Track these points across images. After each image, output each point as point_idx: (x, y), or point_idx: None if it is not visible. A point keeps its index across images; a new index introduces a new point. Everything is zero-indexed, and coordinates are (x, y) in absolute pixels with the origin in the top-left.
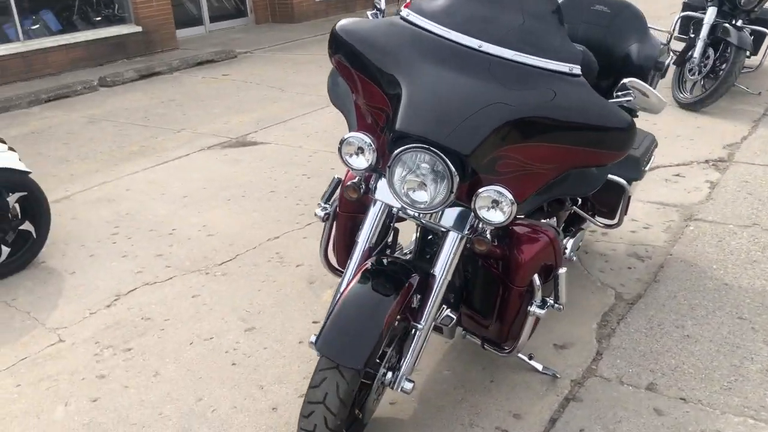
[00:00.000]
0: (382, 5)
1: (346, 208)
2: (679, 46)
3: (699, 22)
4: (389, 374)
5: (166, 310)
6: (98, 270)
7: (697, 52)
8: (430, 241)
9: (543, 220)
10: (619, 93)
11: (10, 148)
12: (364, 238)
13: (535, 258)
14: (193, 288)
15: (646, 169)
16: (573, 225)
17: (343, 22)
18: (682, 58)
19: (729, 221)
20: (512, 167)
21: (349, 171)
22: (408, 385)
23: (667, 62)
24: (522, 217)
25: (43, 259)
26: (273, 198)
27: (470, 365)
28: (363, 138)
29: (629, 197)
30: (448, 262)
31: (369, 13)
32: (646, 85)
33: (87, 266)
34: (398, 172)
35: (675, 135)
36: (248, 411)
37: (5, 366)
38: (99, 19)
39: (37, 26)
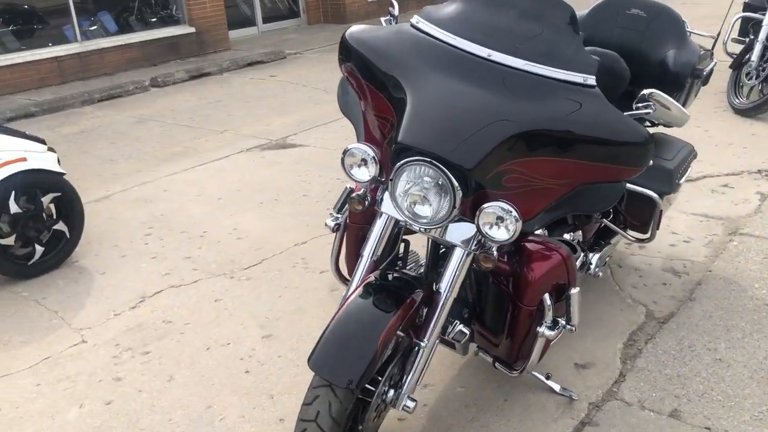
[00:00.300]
0: (396, 11)
1: (356, 219)
2: (737, 48)
3: (758, 24)
4: (391, 392)
5: (188, 313)
6: (128, 271)
7: (755, 55)
8: (444, 254)
9: (567, 235)
10: (639, 105)
11: (50, 149)
12: (369, 250)
13: (545, 276)
14: (217, 292)
15: (681, 181)
16: (603, 239)
17: (354, 28)
18: (739, 61)
19: None
20: (520, 182)
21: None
22: (410, 404)
23: (707, 69)
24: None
25: (76, 258)
26: (305, 202)
27: (485, 383)
28: (365, 149)
29: (661, 211)
30: (454, 279)
31: (383, 19)
32: (668, 97)
33: (117, 267)
34: (400, 185)
35: (727, 143)
36: (255, 421)
37: (28, 365)
38: (154, 20)
39: (95, 27)
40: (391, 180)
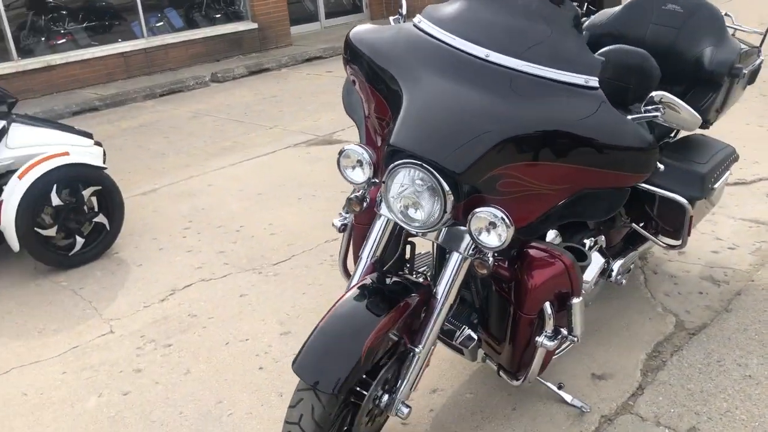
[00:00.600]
0: (404, 10)
1: (361, 219)
2: None
3: None
4: (386, 397)
5: (213, 307)
6: (163, 264)
7: None
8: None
9: (587, 240)
10: (649, 107)
11: (97, 143)
12: (368, 252)
13: (546, 284)
14: (243, 287)
15: (716, 186)
16: (632, 244)
17: (358, 28)
18: None
19: None
20: (516, 187)
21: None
22: (404, 410)
23: (750, 67)
24: (555, 236)
25: (117, 249)
26: (341, 198)
27: (495, 390)
28: (360, 151)
29: (691, 217)
30: (450, 284)
31: (392, 18)
32: (677, 100)
33: (154, 259)
34: (393, 187)
35: None
36: (261, 418)
37: (57, 353)
38: (218, 16)
39: (161, 24)
40: (384, 182)
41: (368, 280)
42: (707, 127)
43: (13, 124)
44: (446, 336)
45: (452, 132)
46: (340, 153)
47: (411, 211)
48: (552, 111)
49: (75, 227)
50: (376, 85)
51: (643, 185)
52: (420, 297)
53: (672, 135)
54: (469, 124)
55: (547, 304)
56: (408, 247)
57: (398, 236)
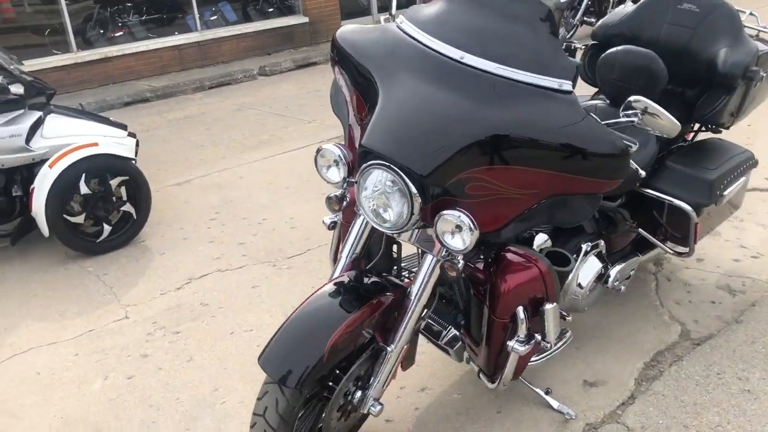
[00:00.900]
0: (393, 10)
1: (348, 217)
2: None
3: None
4: (359, 393)
5: (224, 297)
6: (185, 253)
7: None
8: None
9: (585, 244)
10: (628, 112)
11: (131, 134)
12: (347, 251)
13: (518, 289)
14: (257, 278)
15: (726, 193)
16: (640, 250)
17: (345, 28)
18: None
19: None
20: (484, 191)
21: None
22: (375, 408)
23: (765, 72)
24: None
25: (143, 238)
26: None
27: (483, 392)
28: (336, 151)
29: (696, 224)
30: (423, 284)
31: (383, 17)
32: (655, 105)
33: (177, 248)
34: (367, 188)
35: None
36: (252, 408)
37: (73, 335)
38: (271, 10)
39: (215, 17)
40: (356, 182)
41: (345, 278)
42: (721, 130)
43: (50, 115)
44: (434, 336)
45: (420, 134)
46: (317, 152)
47: (382, 212)
48: (522, 114)
49: (103, 215)
50: (358, 85)
51: (648, 191)
52: (394, 296)
53: (689, 139)
54: (436, 126)
55: (520, 309)
56: (395, 247)
57: (388, 236)
